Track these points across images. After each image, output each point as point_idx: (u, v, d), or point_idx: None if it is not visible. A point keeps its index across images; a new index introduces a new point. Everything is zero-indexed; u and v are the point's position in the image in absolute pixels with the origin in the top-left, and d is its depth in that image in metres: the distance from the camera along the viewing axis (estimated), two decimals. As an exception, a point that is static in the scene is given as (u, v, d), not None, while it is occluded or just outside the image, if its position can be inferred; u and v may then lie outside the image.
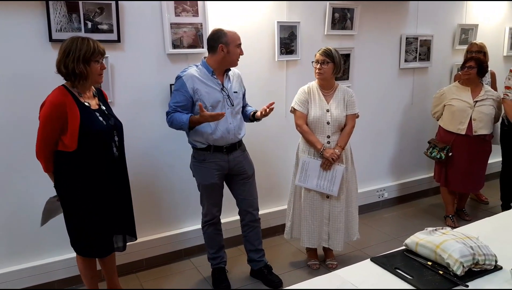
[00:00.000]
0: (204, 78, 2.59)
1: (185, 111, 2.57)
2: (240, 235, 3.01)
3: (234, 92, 2.69)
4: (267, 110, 2.65)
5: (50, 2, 2.50)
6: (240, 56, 2.67)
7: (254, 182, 2.86)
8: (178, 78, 2.59)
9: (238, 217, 2.94)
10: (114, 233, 2.39)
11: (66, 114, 2.10)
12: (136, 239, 2.54)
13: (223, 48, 2.56)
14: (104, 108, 2.29)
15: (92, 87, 2.30)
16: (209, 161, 2.65)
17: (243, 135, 2.76)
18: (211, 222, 2.77)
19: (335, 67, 2.81)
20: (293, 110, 2.92)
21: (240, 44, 2.63)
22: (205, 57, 2.68)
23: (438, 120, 3.75)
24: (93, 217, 2.24)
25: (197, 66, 2.64)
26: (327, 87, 2.89)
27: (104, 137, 2.22)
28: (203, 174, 2.69)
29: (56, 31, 2.55)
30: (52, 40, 2.55)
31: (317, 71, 2.81)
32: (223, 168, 2.69)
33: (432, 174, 3.97)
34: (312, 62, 2.86)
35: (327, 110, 2.85)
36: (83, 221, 2.24)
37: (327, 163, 2.83)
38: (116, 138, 2.30)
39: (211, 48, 2.61)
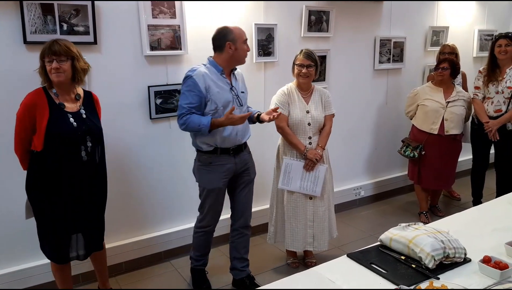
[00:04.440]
0: (214, 77, 2.49)
1: (199, 112, 2.46)
2: (222, 236, 3.02)
3: (241, 92, 2.63)
4: (275, 115, 2.56)
5: (25, 3, 2.46)
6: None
7: (253, 188, 2.79)
8: (189, 77, 2.46)
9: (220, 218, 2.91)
10: (70, 238, 2.32)
11: (35, 115, 2.14)
12: (101, 249, 2.52)
13: (230, 46, 2.47)
14: (83, 112, 2.28)
15: (80, 90, 2.32)
16: (215, 164, 2.56)
17: (249, 137, 2.71)
18: (207, 230, 2.70)
19: (316, 69, 2.89)
20: None
21: (246, 39, 2.55)
22: (211, 56, 2.58)
23: (411, 119, 3.86)
24: (53, 221, 2.24)
25: (205, 65, 2.54)
26: (306, 89, 2.94)
27: (71, 139, 2.20)
28: (209, 178, 2.58)
29: (30, 33, 2.51)
30: (26, 42, 2.51)
31: (302, 74, 2.83)
32: (230, 171, 2.60)
33: (407, 172, 4.08)
34: (294, 64, 2.89)
35: (307, 112, 2.90)
36: (45, 224, 2.25)
37: (311, 164, 2.86)
38: (89, 144, 2.27)
39: (218, 47, 2.52)
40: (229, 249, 2.86)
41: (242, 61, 2.59)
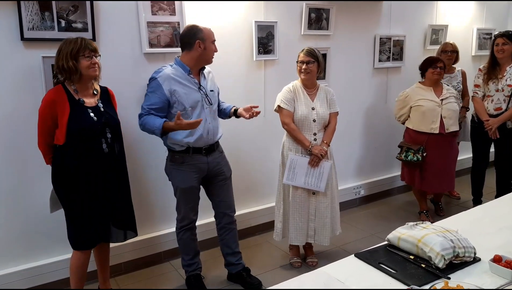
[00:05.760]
0: (180, 78, 2.50)
1: (160, 113, 2.47)
2: (212, 238, 2.98)
3: (211, 90, 2.64)
4: (255, 111, 2.65)
5: (22, 1, 2.41)
6: (218, 56, 2.64)
7: (231, 184, 2.82)
8: (153, 79, 2.49)
9: (209, 220, 2.89)
10: (103, 227, 2.43)
11: (56, 110, 2.22)
12: (136, 234, 2.60)
13: (200, 44, 2.48)
14: (101, 105, 2.36)
15: (97, 86, 2.40)
16: (188, 164, 2.58)
17: (221, 136, 2.72)
18: (187, 227, 2.69)
19: (319, 66, 2.88)
20: (279, 109, 2.93)
21: (214, 40, 2.57)
22: (178, 56, 2.60)
23: (403, 123, 3.77)
24: (82, 211, 2.31)
25: (171, 65, 2.55)
26: (310, 86, 2.94)
27: (92, 133, 2.28)
28: (181, 177, 2.60)
29: (28, 30, 2.47)
30: (23, 38, 2.47)
31: (303, 70, 2.85)
32: (202, 170, 2.63)
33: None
34: (297, 62, 2.90)
35: (313, 108, 2.90)
36: (73, 214, 2.33)
37: (316, 160, 2.87)
38: (109, 135, 2.35)
39: (187, 45, 2.52)
40: (220, 247, 2.88)
41: (209, 61, 2.61)
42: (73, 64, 2.20)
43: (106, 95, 2.44)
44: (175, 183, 2.65)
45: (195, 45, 2.49)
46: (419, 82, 3.73)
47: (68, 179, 2.28)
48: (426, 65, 3.64)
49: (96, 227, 2.37)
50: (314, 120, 2.89)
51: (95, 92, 2.37)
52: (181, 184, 2.61)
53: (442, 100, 3.55)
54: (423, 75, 3.69)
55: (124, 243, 2.94)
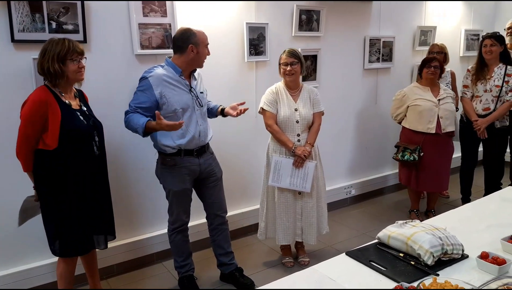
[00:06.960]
0: (172, 80, 2.49)
1: (147, 113, 2.42)
2: (204, 239, 2.99)
3: (201, 92, 2.64)
4: (242, 110, 2.67)
5: (12, 2, 2.41)
6: (210, 57, 2.64)
7: (222, 185, 2.82)
8: (144, 78, 2.46)
9: (201, 221, 2.90)
10: (94, 231, 2.40)
11: (48, 112, 2.13)
12: (114, 237, 2.54)
13: (193, 49, 2.48)
14: (85, 108, 2.34)
15: (74, 88, 2.33)
16: (179, 166, 2.57)
17: (211, 137, 2.73)
18: (180, 229, 2.69)
19: (301, 67, 2.90)
20: (262, 111, 2.96)
21: (207, 44, 2.58)
22: (169, 57, 2.59)
23: (399, 122, 3.79)
24: (74, 215, 2.26)
25: (162, 66, 2.53)
26: (294, 87, 2.96)
27: (85, 136, 2.27)
28: (174, 180, 2.59)
29: (18, 31, 2.46)
30: (14, 40, 2.46)
31: (287, 72, 2.87)
32: (194, 172, 2.62)
33: (396, 171, 4.09)
34: (280, 64, 2.91)
35: (296, 109, 2.92)
36: (64, 219, 2.25)
37: (299, 161, 2.89)
38: (97, 138, 2.35)
39: (179, 49, 2.51)
40: (212, 247, 2.88)
41: (201, 65, 2.60)
42: (59, 67, 2.13)
43: (82, 97, 2.40)
44: (167, 186, 2.64)
45: (187, 49, 2.48)
46: (417, 81, 3.75)
47: (57, 181, 2.21)
48: (422, 65, 3.66)
49: (85, 229, 2.32)
50: (297, 121, 2.91)
51: (75, 95, 2.33)
52: (174, 187, 2.60)
53: (439, 100, 3.57)
54: (421, 75, 3.70)
55: (116, 245, 2.97)
